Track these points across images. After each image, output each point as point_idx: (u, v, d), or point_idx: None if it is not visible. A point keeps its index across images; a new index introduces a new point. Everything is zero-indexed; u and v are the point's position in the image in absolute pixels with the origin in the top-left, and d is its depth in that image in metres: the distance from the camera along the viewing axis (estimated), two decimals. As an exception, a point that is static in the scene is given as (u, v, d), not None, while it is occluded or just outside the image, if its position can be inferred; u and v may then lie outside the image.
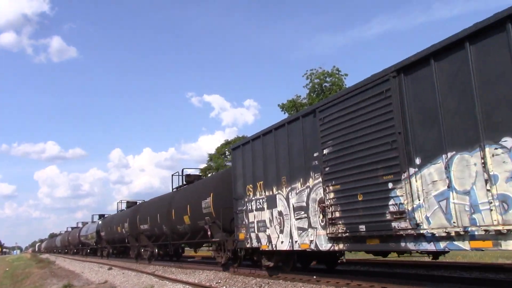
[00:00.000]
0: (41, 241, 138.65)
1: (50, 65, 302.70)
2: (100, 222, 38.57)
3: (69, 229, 59.32)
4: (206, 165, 56.39)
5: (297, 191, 10.25)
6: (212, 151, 57.27)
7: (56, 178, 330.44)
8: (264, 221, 11.73)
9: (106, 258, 34.30)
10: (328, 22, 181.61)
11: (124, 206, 32.65)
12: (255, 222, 12.25)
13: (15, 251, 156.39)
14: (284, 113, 37.59)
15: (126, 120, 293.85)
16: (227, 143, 56.66)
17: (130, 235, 25.99)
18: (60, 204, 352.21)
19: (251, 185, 12.42)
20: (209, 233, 15.43)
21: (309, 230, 9.79)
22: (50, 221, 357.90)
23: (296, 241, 10.26)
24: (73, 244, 49.56)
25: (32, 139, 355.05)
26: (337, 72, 36.62)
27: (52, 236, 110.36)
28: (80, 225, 55.75)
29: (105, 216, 40.51)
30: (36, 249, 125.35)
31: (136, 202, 30.94)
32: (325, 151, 9.21)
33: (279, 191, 11.01)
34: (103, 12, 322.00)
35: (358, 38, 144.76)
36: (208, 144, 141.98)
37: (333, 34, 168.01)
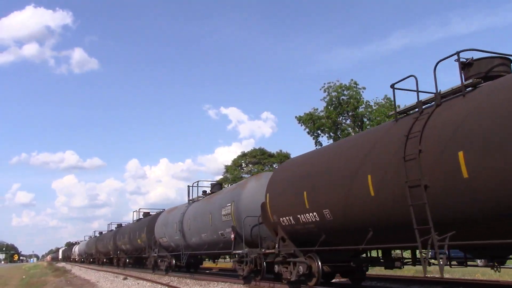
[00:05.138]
0: (69, 244, 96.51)
1: (71, 76, 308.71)
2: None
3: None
4: (222, 177, 56.42)
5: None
6: (229, 163, 57.34)
7: (73, 188, 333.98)
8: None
9: (122, 267, 34.17)
10: (346, 36, 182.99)
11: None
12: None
13: (31, 259, 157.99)
14: (301, 125, 37.53)
15: (143, 131, 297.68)
16: (243, 155, 56.71)
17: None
18: (76, 213, 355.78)
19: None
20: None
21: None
22: (67, 230, 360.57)
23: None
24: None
25: (51, 149, 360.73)
26: (355, 85, 36.44)
27: (69, 245, 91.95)
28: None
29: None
30: (60, 256, 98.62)
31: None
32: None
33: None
34: (123, 26, 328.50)
35: (376, 53, 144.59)
36: (225, 156, 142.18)
37: (351, 48, 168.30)
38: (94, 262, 50.42)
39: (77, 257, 67.29)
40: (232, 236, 14.77)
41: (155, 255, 24.59)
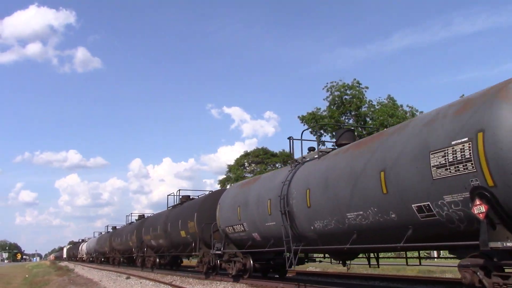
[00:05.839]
0: (73, 243, 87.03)
1: (74, 75, 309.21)
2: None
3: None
4: (225, 176, 56.48)
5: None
6: (232, 162, 57.31)
7: (76, 187, 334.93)
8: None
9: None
10: (348, 36, 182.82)
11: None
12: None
13: (34, 258, 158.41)
14: (304, 125, 37.53)
15: (146, 131, 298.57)
16: (246, 155, 56.69)
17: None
18: (79, 212, 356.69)
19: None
20: None
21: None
22: (70, 230, 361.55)
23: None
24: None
25: (54, 148, 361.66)
26: (358, 85, 36.46)
27: (73, 243, 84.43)
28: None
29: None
30: (65, 255, 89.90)
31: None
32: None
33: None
34: (126, 25, 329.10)
35: (378, 52, 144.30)
36: (228, 155, 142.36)
37: (353, 48, 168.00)
38: (108, 261, 41.61)
39: (85, 256, 57.80)
40: (482, 211, 6.22)
41: (218, 252, 16.37)
